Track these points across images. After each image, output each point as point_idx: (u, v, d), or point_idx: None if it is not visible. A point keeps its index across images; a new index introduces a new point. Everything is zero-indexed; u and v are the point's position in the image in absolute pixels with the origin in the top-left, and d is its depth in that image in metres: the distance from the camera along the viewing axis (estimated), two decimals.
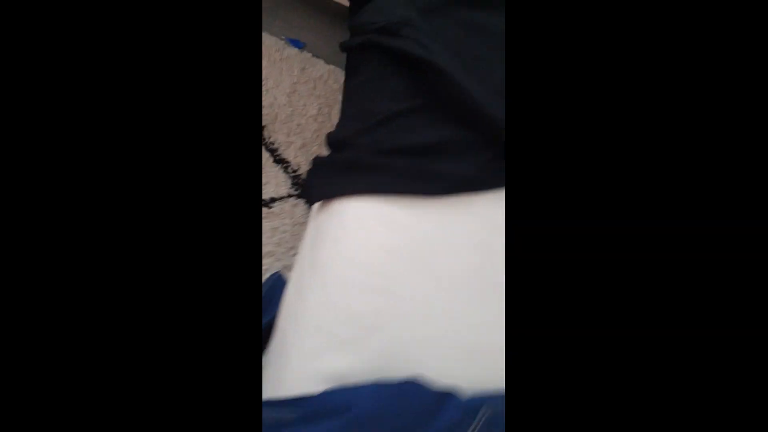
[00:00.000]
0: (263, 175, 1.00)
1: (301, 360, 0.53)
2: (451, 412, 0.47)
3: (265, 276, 0.70)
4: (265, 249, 0.95)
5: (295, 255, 0.94)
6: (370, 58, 0.69)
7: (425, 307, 0.53)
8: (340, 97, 1.05)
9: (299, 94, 1.04)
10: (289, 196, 1.02)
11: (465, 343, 0.52)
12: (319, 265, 0.58)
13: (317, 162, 0.69)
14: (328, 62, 1.08)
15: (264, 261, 0.93)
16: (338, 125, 0.72)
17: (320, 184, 0.64)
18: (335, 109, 1.06)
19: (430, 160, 0.57)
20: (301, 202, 1.02)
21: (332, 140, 0.70)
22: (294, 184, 1.03)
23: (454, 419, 0.47)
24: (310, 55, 1.09)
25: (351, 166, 0.61)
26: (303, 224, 1.02)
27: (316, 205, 0.65)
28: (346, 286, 0.55)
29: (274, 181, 1.01)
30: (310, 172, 0.69)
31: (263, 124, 1.03)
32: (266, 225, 0.97)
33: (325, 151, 0.71)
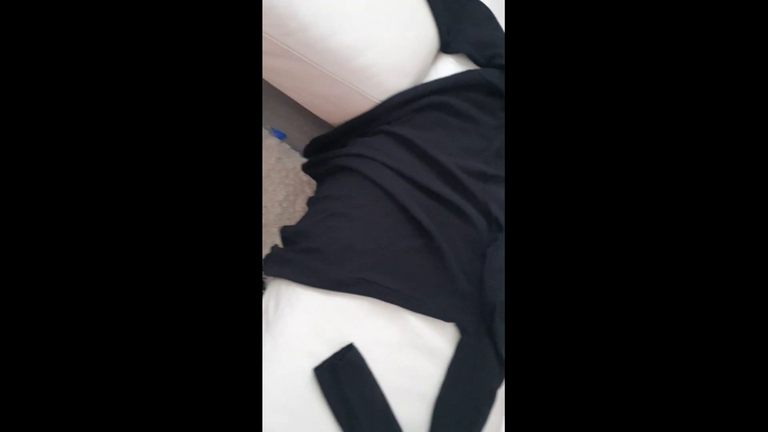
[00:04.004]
0: None
1: None
2: None
3: None
4: None
5: None
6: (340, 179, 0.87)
7: None
8: (306, 189, 1.20)
9: (271, 179, 1.19)
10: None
11: None
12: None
13: (272, 250, 0.92)
14: (302, 156, 1.24)
15: None
16: (296, 224, 0.90)
17: (268, 266, 0.87)
18: (300, 198, 1.20)
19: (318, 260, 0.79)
20: None
21: (283, 234, 0.88)
22: None
23: None
24: (288, 147, 1.24)
25: (280, 258, 0.86)
26: None
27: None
28: None
29: None
30: (267, 255, 0.93)
31: None
32: None
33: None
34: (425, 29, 0.86)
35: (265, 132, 1.24)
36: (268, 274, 0.89)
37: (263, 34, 0.78)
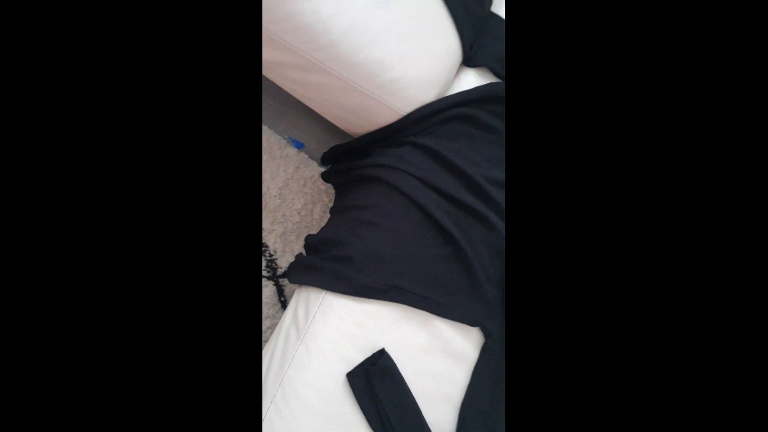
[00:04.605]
0: None
1: None
2: None
3: None
4: None
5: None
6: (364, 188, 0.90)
7: None
8: (324, 198, 1.22)
9: (290, 188, 1.22)
10: (261, 277, 1.17)
11: None
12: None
13: (297, 258, 0.93)
14: (320, 165, 1.26)
15: None
16: (321, 232, 0.92)
17: (294, 274, 0.90)
18: (317, 207, 1.23)
19: (348, 268, 0.82)
20: (270, 283, 1.17)
21: (308, 243, 0.90)
22: (268, 266, 1.18)
23: None
24: (306, 156, 1.27)
25: (308, 266, 0.88)
26: (267, 304, 1.16)
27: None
28: None
29: None
30: (292, 263, 0.95)
31: None
32: None
33: (301, 243, 0.94)
34: (450, 43, 0.89)
35: (283, 141, 1.26)
36: (295, 282, 0.91)
37: (295, 49, 0.80)
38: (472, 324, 0.85)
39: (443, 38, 0.88)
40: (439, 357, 0.84)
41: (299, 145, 1.28)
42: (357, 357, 0.80)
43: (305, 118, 1.28)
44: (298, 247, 1.21)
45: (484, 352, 0.87)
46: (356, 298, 0.82)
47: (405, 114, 0.89)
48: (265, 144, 1.23)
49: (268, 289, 1.16)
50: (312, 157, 1.28)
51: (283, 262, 1.20)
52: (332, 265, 0.85)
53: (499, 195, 0.87)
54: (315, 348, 0.81)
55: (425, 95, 0.88)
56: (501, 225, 0.87)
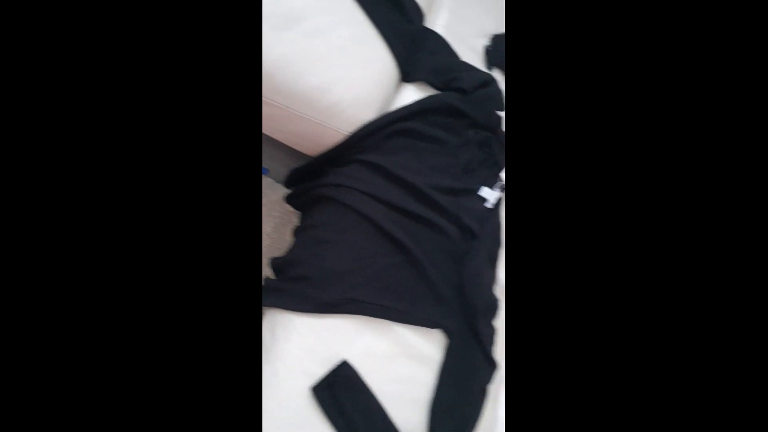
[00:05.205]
0: None
1: None
2: None
3: None
4: None
5: None
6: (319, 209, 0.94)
7: None
8: (294, 219, 1.26)
9: None
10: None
11: None
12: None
13: (265, 281, 0.97)
14: (286, 187, 1.31)
15: None
16: (284, 254, 0.97)
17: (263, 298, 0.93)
18: (288, 228, 1.27)
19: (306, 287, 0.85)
20: None
21: (273, 265, 0.94)
22: None
23: None
24: (272, 180, 1.31)
25: (273, 289, 0.92)
26: None
27: None
28: None
29: None
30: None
31: None
32: None
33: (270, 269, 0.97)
34: (384, 63, 0.94)
35: None
36: (264, 306, 0.95)
37: None
38: (432, 326, 0.88)
39: (377, 59, 0.92)
40: (403, 362, 0.88)
41: (265, 171, 1.33)
42: (321, 371, 0.84)
43: (267, 146, 1.33)
44: (270, 271, 1.24)
45: (448, 352, 0.90)
46: (317, 314, 0.85)
47: (349, 134, 0.93)
48: None
49: None
50: (278, 181, 1.32)
51: None
52: (292, 285, 0.88)
53: (447, 201, 0.91)
54: (280, 366, 0.84)
55: (366, 114, 0.92)
56: (451, 229, 0.91)
